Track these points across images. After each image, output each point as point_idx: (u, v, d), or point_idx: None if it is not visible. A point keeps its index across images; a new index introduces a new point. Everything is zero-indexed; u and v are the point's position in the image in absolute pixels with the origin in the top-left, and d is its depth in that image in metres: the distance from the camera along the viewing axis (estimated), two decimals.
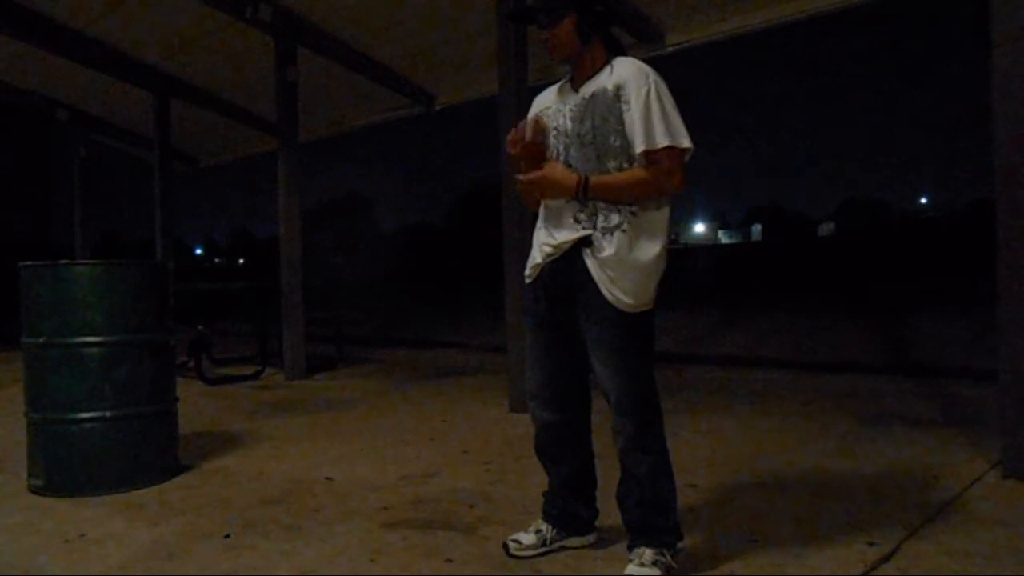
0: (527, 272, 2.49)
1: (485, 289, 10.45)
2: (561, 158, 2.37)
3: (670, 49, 6.24)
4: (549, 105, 2.47)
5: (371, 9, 6.70)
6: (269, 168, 7.68)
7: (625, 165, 2.29)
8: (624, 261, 2.27)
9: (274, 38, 6.90)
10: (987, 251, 3.36)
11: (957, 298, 11.82)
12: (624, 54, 2.41)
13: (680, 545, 2.38)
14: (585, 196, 2.27)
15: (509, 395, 5.12)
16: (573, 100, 2.39)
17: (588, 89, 2.36)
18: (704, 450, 3.86)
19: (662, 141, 2.22)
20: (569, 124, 2.37)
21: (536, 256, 2.44)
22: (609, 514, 2.59)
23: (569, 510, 2.54)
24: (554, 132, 2.40)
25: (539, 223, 2.49)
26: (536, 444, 2.56)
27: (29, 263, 3.44)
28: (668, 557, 2.30)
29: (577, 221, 2.32)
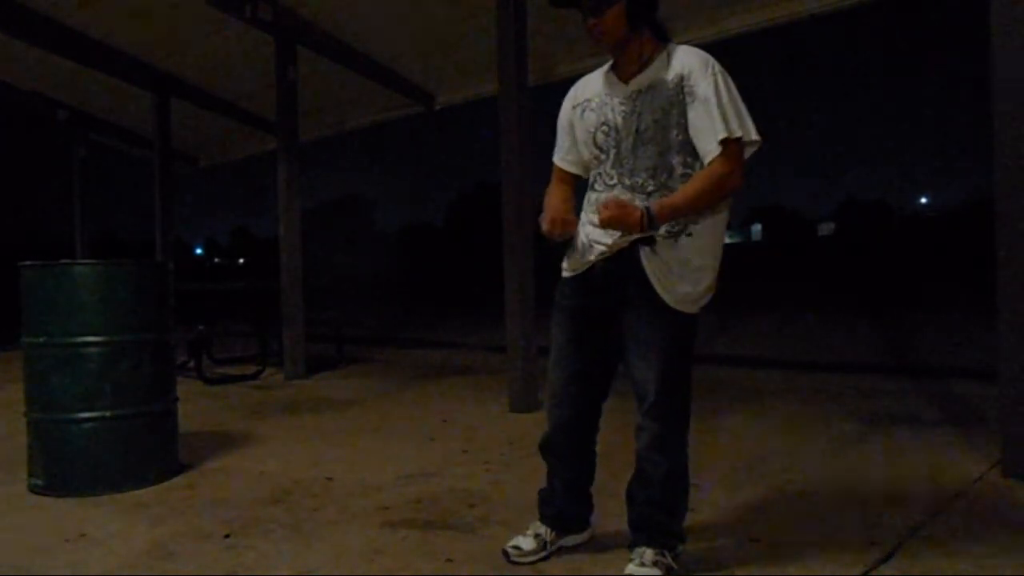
0: (569, 265, 2.39)
1: (485, 289, 10.45)
2: (611, 154, 2.27)
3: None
4: (591, 97, 2.35)
5: (371, 9, 6.70)
6: (269, 168, 7.68)
7: (688, 159, 2.20)
8: (685, 263, 2.21)
9: (274, 38, 6.89)
10: (987, 251, 3.36)
11: (957, 298, 11.83)
12: (669, 40, 2.28)
13: (681, 548, 2.37)
14: (651, 226, 2.14)
15: (509, 395, 5.12)
16: (623, 93, 2.27)
17: (642, 81, 2.24)
18: (704, 450, 3.85)
19: (732, 133, 2.12)
20: (620, 119, 2.25)
21: (586, 253, 2.32)
22: (610, 517, 2.59)
23: (568, 510, 2.51)
24: (604, 128, 2.29)
25: (586, 217, 2.36)
26: (545, 442, 2.49)
27: (29, 263, 3.44)
28: (669, 558, 2.29)
29: None
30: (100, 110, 10.11)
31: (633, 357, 2.28)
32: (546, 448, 2.50)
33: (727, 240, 2.39)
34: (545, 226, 2.28)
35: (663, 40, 2.27)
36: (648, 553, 2.27)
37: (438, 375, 7.04)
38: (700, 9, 5.92)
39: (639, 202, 2.20)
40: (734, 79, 2.21)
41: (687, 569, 2.36)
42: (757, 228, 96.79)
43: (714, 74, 2.16)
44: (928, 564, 2.40)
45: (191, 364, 6.82)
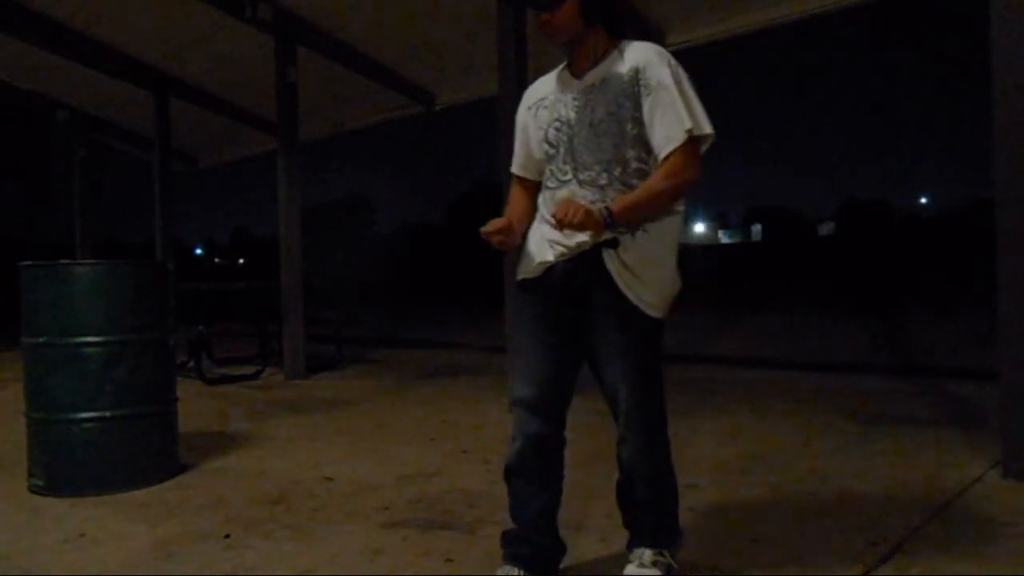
0: (526, 269, 2.28)
1: (485, 289, 10.44)
2: (562, 149, 2.21)
3: (670, 49, 6.24)
4: (546, 95, 2.30)
5: (371, 9, 6.71)
6: (269, 168, 7.69)
7: (643, 154, 2.14)
8: (648, 262, 2.14)
9: (274, 38, 6.90)
10: (987, 251, 3.36)
11: (957, 298, 11.83)
12: (626, 38, 2.23)
13: (680, 542, 2.35)
14: (613, 225, 2.06)
15: (509, 395, 5.11)
16: (576, 88, 2.21)
17: (596, 76, 2.19)
18: (704, 450, 3.85)
19: (686, 127, 2.07)
20: (573, 114, 2.19)
21: (545, 254, 2.21)
22: (602, 518, 2.57)
23: (544, 545, 2.28)
24: (556, 123, 2.22)
25: (540, 216, 2.27)
26: (515, 463, 2.26)
27: (29, 263, 3.44)
28: (668, 557, 2.28)
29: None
30: (100, 110, 10.11)
31: (605, 365, 2.19)
32: (516, 470, 2.26)
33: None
34: (492, 238, 2.18)
35: (617, 37, 2.23)
36: (647, 554, 2.26)
37: (438, 375, 7.05)
38: (700, 9, 5.92)
39: (590, 195, 2.14)
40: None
41: (687, 569, 2.36)
42: (757, 228, 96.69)
43: (670, 66, 2.12)
44: (928, 564, 2.39)
45: (191, 364, 6.82)
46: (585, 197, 2.14)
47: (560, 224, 2.03)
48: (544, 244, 2.23)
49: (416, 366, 7.77)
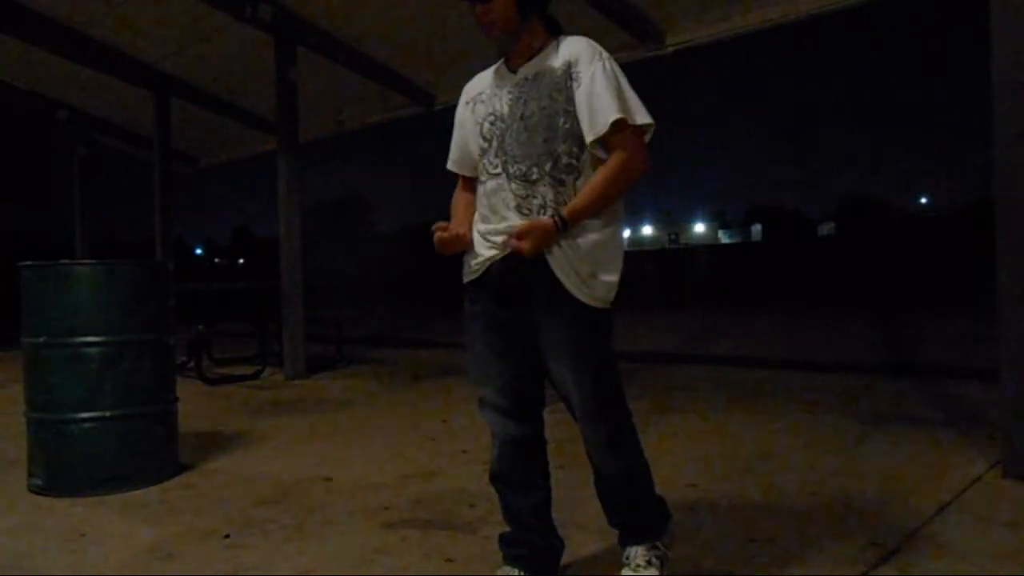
0: (470, 268, 2.22)
1: None
2: (494, 143, 2.16)
3: (670, 49, 6.24)
4: (483, 91, 2.25)
5: (371, 9, 6.71)
6: (269, 168, 7.69)
7: (575, 149, 2.08)
8: (586, 251, 2.08)
9: (274, 38, 6.90)
10: (987, 251, 3.36)
11: (957, 298, 11.82)
12: (562, 33, 2.20)
13: (671, 525, 2.32)
14: (566, 229, 2.04)
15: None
16: (511, 82, 2.17)
17: (530, 70, 2.15)
18: (704, 450, 3.85)
19: (619, 116, 2.01)
20: (507, 109, 2.15)
21: (482, 251, 2.18)
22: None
23: (541, 544, 2.28)
24: (490, 117, 2.18)
25: (478, 213, 2.24)
26: (498, 468, 2.28)
27: (29, 263, 3.44)
28: (662, 547, 2.26)
29: (525, 211, 2.10)
30: (100, 110, 10.12)
31: (556, 365, 2.13)
32: (499, 476, 2.30)
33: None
34: (435, 244, 2.20)
35: (555, 33, 2.20)
36: (640, 553, 2.23)
37: (438, 375, 7.04)
38: (700, 9, 5.92)
39: (518, 189, 2.11)
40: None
41: (686, 569, 2.36)
42: (757, 228, 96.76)
43: (602, 59, 2.09)
44: (928, 564, 2.40)
45: (191, 364, 6.82)
46: (514, 191, 2.12)
47: (525, 252, 2.04)
48: (480, 240, 2.21)
49: (416, 366, 7.77)
